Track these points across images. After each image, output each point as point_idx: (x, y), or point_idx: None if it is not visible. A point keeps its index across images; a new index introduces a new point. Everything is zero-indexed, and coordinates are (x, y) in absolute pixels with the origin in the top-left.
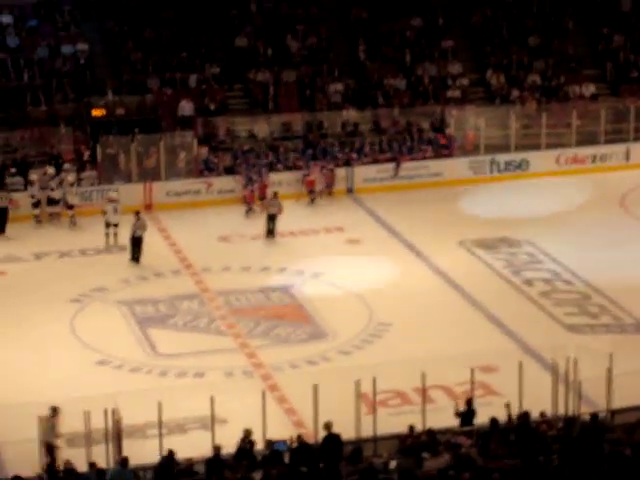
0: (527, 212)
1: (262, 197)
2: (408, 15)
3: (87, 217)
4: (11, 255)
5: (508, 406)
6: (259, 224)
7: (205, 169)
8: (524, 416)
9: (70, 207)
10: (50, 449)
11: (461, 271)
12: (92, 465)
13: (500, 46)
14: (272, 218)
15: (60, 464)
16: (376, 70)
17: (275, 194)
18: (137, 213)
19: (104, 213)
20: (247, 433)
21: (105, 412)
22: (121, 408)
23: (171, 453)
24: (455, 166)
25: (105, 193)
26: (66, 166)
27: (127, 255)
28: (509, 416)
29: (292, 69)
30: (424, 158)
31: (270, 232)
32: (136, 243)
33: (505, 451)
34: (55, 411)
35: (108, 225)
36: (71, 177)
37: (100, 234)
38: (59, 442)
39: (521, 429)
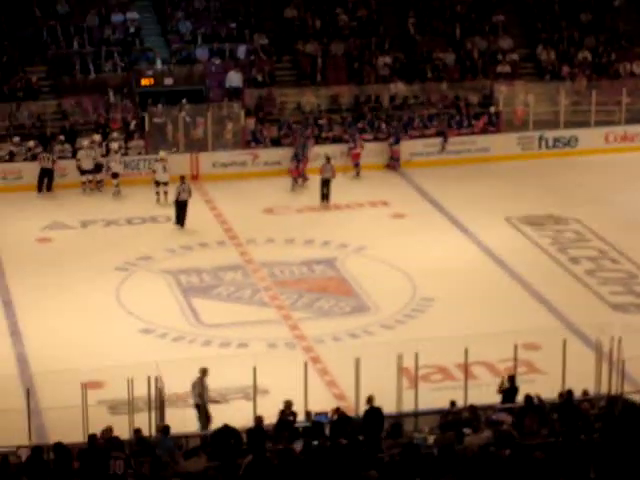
0: (575, 189)
1: (304, 175)
2: None
3: (133, 186)
4: (58, 222)
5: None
6: (304, 197)
7: (252, 141)
8: (567, 394)
9: (114, 175)
10: (203, 409)
11: (507, 248)
12: (137, 431)
13: (551, 22)
14: (326, 183)
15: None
16: (425, 44)
17: (328, 159)
18: (182, 178)
19: (154, 172)
20: (288, 404)
21: (148, 380)
22: (164, 376)
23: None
24: (503, 142)
25: (151, 163)
26: (114, 135)
27: (172, 219)
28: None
29: (341, 41)
30: (472, 133)
31: (325, 197)
32: (180, 207)
33: (540, 428)
34: (204, 372)
35: (158, 184)
36: (116, 145)
37: (146, 203)
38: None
39: (564, 407)
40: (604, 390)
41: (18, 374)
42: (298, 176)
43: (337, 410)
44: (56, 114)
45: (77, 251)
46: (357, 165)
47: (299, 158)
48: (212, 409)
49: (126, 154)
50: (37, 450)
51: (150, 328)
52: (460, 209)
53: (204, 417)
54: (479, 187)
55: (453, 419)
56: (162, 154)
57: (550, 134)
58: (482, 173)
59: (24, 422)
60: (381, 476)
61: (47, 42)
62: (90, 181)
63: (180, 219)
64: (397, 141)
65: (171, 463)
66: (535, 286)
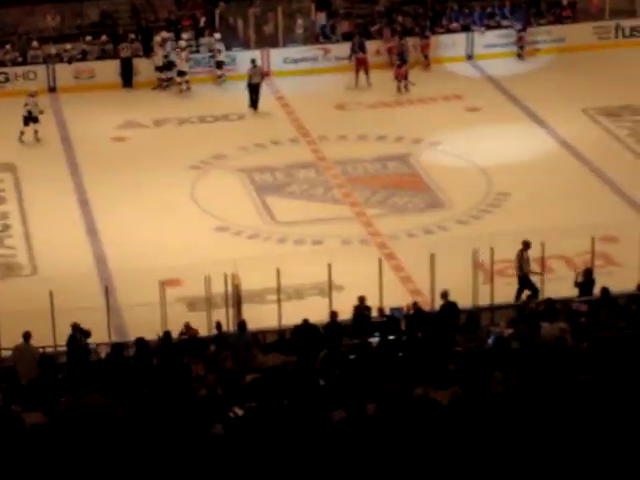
0: None
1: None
2: None
3: (205, 84)
4: (132, 121)
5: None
6: (375, 92)
7: (322, 35)
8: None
9: (180, 74)
10: (523, 281)
11: (584, 139)
12: (219, 324)
13: None
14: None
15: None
16: None
17: (254, 62)
18: (253, 61)
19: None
20: (361, 299)
21: (225, 277)
22: (240, 274)
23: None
24: (578, 31)
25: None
26: (185, 35)
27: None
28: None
29: None
30: (548, 23)
31: (254, 102)
32: (253, 90)
33: (616, 321)
34: (526, 245)
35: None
36: (183, 43)
37: (218, 101)
38: None
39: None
40: None
41: (97, 272)
42: (403, 78)
43: (414, 304)
44: (126, 12)
45: (151, 150)
46: (426, 57)
47: (403, 58)
48: (287, 305)
49: (197, 51)
50: (117, 347)
51: (225, 226)
52: (536, 101)
53: (527, 287)
54: (555, 79)
55: (530, 312)
56: (33, 90)
57: (627, 23)
58: (558, 64)
59: (103, 320)
60: (457, 369)
61: None
62: (161, 79)
63: (253, 102)
64: (524, 28)
65: (249, 357)
66: (613, 178)
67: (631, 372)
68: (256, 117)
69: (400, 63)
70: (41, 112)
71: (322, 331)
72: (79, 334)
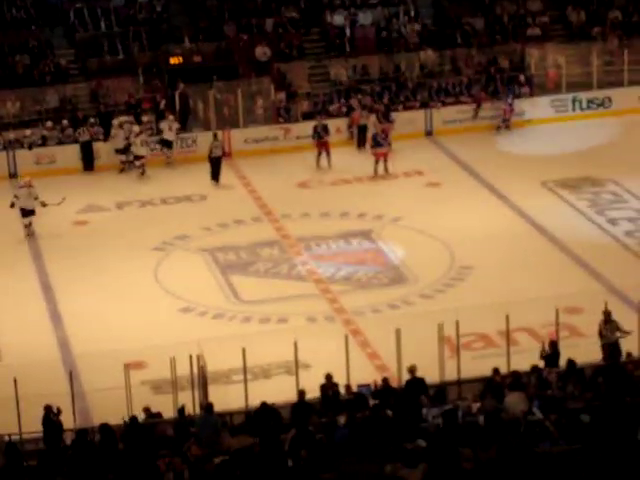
0: (610, 151)
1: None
2: None
3: (166, 166)
4: (93, 205)
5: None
6: (336, 170)
7: (281, 116)
8: (611, 356)
9: (136, 158)
10: None
11: (544, 212)
12: (182, 409)
13: None
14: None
15: None
16: (454, 9)
17: (216, 135)
18: (215, 135)
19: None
20: (329, 377)
21: (190, 358)
22: (206, 354)
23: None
24: (536, 105)
25: (184, 141)
26: (145, 118)
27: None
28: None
29: (368, 10)
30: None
31: (215, 175)
32: (214, 163)
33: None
34: None
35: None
36: (137, 128)
37: (180, 182)
38: None
39: (608, 369)
40: None
41: (60, 357)
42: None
43: (383, 380)
44: (86, 97)
45: (114, 233)
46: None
47: (377, 142)
48: (253, 385)
49: (159, 134)
50: (82, 433)
51: (190, 307)
52: (495, 175)
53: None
54: (513, 152)
55: (496, 385)
56: (27, 180)
57: (584, 95)
58: (516, 138)
59: (68, 405)
60: (426, 446)
61: (74, 24)
62: (122, 161)
63: (215, 175)
64: (512, 101)
65: (216, 440)
66: (574, 250)
67: (600, 444)
68: (218, 197)
69: (373, 144)
70: (43, 204)
71: (290, 411)
72: (52, 414)
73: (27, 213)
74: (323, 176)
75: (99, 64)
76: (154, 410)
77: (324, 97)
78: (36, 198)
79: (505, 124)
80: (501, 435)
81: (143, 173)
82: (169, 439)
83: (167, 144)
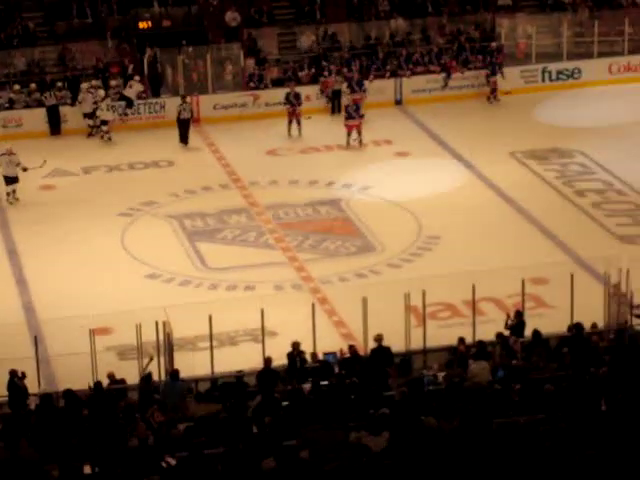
0: (579, 122)
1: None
2: None
3: (135, 131)
4: (60, 169)
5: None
6: (306, 138)
7: (250, 82)
8: (576, 327)
9: (103, 122)
10: None
11: (512, 182)
12: (148, 375)
13: None
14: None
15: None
16: None
17: (184, 98)
18: (183, 97)
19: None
20: (296, 345)
21: (156, 325)
22: (172, 321)
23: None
24: (506, 75)
25: (152, 106)
26: (114, 82)
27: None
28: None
29: None
30: (475, 68)
31: (183, 138)
32: (182, 125)
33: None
34: None
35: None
36: (102, 92)
37: (148, 148)
38: None
39: (573, 340)
40: (613, 323)
41: (25, 322)
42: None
43: (351, 348)
44: (54, 60)
45: (80, 198)
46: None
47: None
48: (219, 352)
49: (123, 99)
50: (46, 398)
51: (156, 273)
52: (464, 145)
53: None
54: (482, 122)
55: (461, 355)
56: (8, 147)
57: (553, 66)
58: (485, 108)
59: (33, 370)
60: (390, 414)
61: None
62: (90, 125)
63: (183, 137)
64: (494, 73)
65: (182, 406)
66: (542, 220)
67: (563, 415)
68: (186, 163)
69: (346, 116)
70: (24, 169)
71: (255, 378)
72: (17, 378)
73: (10, 180)
74: (292, 144)
75: (67, 27)
76: (118, 377)
77: (294, 64)
78: (18, 164)
79: (494, 95)
80: (464, 404)
81: (110, 138)
82: (133, 405)
83: (127, 101)
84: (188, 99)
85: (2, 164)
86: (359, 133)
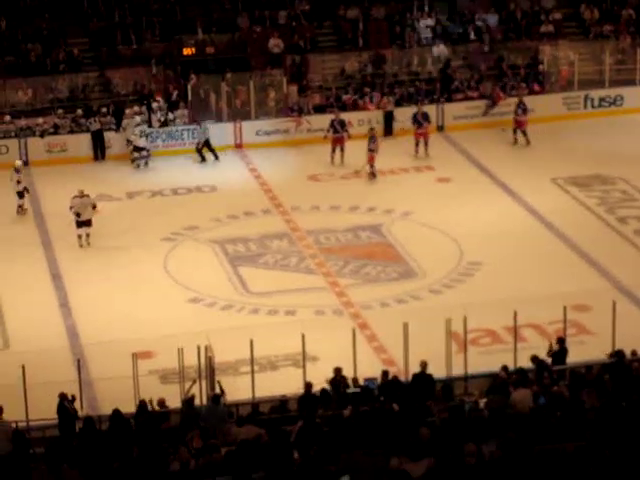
0: (621, 149)
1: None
2: None
3: (178, 156)
4: (104, 194)
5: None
6: (348, 164)
7: (293, 109)
8: (618, 354)
9: (136, 149)
10: None
11: (554, 209)
12: (191, 399)
13: None
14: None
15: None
16: (467, 5)
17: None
18: (197, 121)
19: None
20: (337, 371)
21: (198, 349)
22: (214, 345)
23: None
24: (548, 102)
25: (194, 132)
26: (155, 105)
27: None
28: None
29: (382, 5)
30: (518, 95)
31: (214, 155)
32: (206, 145)
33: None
34: None
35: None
36: (137, 118)
37: (191, 173)
38: None
39: (614, 367)
40: None
41: (69, 346)
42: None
43: (384, 373)
44: (98, 86)
45: (124, 223)
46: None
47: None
48: (260, 378)
49: (173, 124)
50: (89, 421)
51: (198, 297)
52: (506, 172)
53: None
54: (525, 149)
55: (503, 382)
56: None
57: (595, 93)
58: (528, 134)
59: (76, 393)
60: (431, 439)
61: (88, 13)
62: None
63: (214, 155)
64: (524, 111)
65: (222, 431)
66: (583, 247)
67: (606, 442)
68: (229, 188)
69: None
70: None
71: (296, 403)
72: (67, 402)
73: (83, 224)
74: (334, 170)
75: (112, 54)
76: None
77: (337, 90)
78: (94, 207)
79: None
80: (506, 431)
81: (138, 165)
82: (175, 430)
83: (136, 149)
84: (204, 123)
85: (74, 206)
86: (371, 165)
